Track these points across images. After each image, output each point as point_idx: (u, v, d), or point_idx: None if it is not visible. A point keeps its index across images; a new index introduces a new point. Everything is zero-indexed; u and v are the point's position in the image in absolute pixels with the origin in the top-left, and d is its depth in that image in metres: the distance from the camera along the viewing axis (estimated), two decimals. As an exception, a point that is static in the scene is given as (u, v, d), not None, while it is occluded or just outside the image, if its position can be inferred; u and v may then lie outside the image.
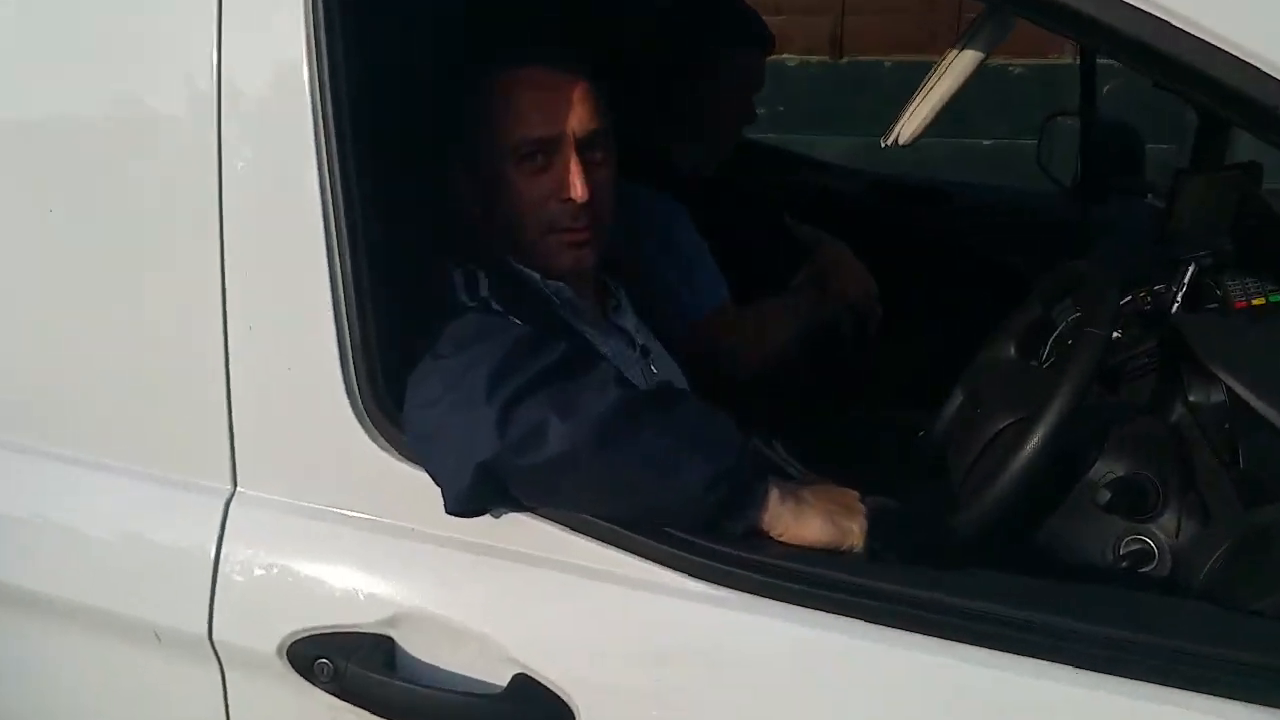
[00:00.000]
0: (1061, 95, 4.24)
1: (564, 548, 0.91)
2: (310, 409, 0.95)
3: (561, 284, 1.20)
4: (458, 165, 1.20)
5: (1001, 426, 1.20)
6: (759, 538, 0.93)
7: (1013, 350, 1.40)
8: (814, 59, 4.89)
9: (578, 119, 1.15)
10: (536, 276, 1.20)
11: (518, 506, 0.92)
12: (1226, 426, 1.23)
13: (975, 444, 1.24)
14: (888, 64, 4.79)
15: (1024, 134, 4.33)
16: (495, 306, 1.06)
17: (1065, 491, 1.18)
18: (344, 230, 0.90)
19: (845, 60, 4.91)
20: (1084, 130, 2.31)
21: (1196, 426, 1.27)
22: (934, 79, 1.10)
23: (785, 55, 4.65)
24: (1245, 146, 2.23)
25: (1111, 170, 2.36)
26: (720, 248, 1.75)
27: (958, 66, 1.05)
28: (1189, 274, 1.45)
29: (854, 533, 0.95)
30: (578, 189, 1.14)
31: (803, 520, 0.93)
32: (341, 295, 0.91)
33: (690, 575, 0.89)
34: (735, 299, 1.73)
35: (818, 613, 0.87)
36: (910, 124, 1.06)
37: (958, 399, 1.45)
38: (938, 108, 1.05)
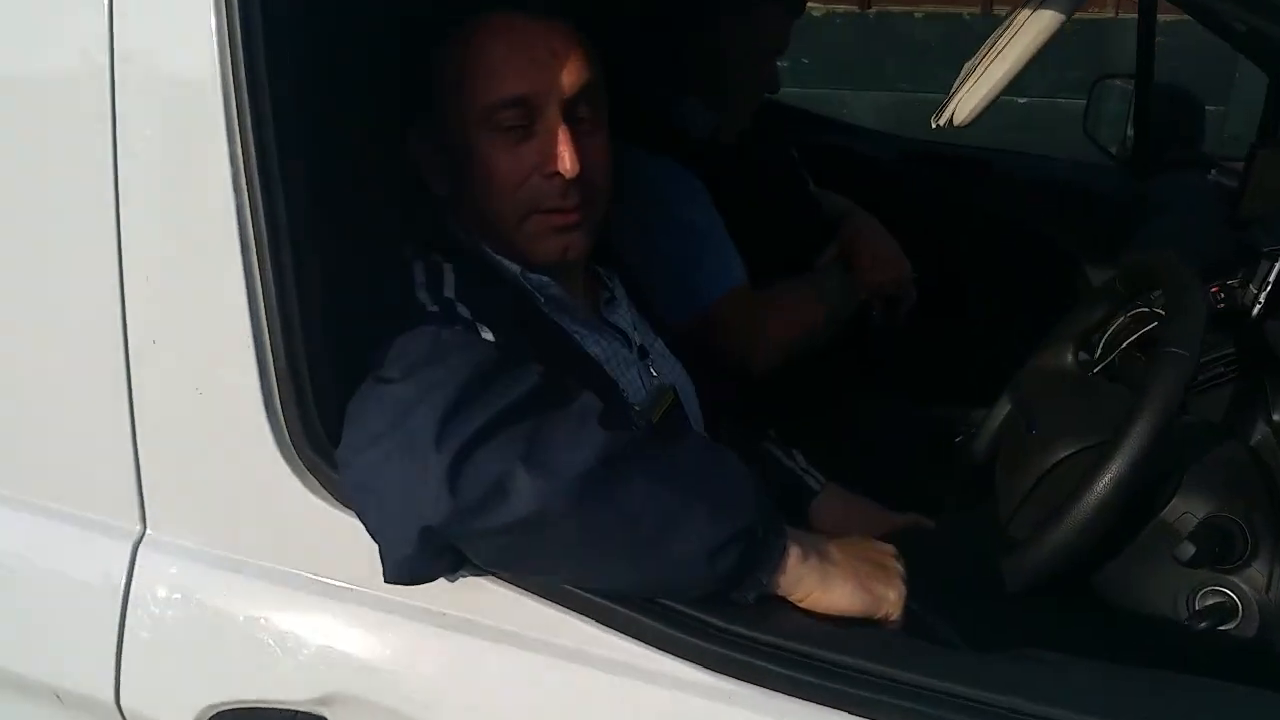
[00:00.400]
0: (1104, 51, 4.01)
1: (535, 621, 0.75)
2: (226, 440, 0.78)
3: (546, 278, 1.02)
4: (420, 136, 1.01)
5: (1063, 455, 1.03)
6: (775, 605, 0.76)
7: (1070, 358, 1.22)
8: (840, 8, 4.63)
9: (564, 76, 0.96)
10: (516, 270, 1.01)
11: (479, 569, 0.75)
12: (1320, 453, 1.06)
13: (1030, 470, 1.07)
14: (919, 15, 4.53)
15: (1061, 92, 4.11)
16: (461, 310, 0.88)
17: (1134, 533, 1.01)
18: (263, 219, 0.72)
19: (873, 11, 4.65)
20: (1139, 95, 2.09)
21: (1282, 453, 1.10)
22: (996, 47, 0.90)
23: (811, 4, 4.40)
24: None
25: (1168, 140, 2.15)
26: (736, 222, 1.55)
27: (1028, 33, 0.86)
28: (1275, 271, 1.25)
29: (889, 600, 0.79)
30: (566, 161, 0.95)
31: (829, 585, 0.77)
32: (262, 300, 0.74)
33: (688, 660, 0.72)
34: (753, 281, 1.54)
35: (844, 715, 0.70)
36: (967, 102, 0.87)
37: (1004, 409, 1.28)
38: (1003, 83, 0.85)
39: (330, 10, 0.78)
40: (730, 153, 1.68)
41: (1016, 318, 1.96)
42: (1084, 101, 2.34)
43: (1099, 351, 1.26)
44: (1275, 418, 1.11)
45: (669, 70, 1.57)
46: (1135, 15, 2.07)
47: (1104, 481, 0.89)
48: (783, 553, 0.76)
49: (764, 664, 0.71)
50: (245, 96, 0.71)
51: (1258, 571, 0.95)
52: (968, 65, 0.98)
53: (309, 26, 0.75)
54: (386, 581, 0.72)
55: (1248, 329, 1.22)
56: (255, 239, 0.73)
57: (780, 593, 0.76)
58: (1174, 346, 0.94)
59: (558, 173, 0.96)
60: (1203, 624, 0.94)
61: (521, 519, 0.68)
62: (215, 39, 0.71)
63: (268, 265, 0.73)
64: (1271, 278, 1.25)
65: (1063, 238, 2.01)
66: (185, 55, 0.73)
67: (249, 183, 0.72)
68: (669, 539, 0.71)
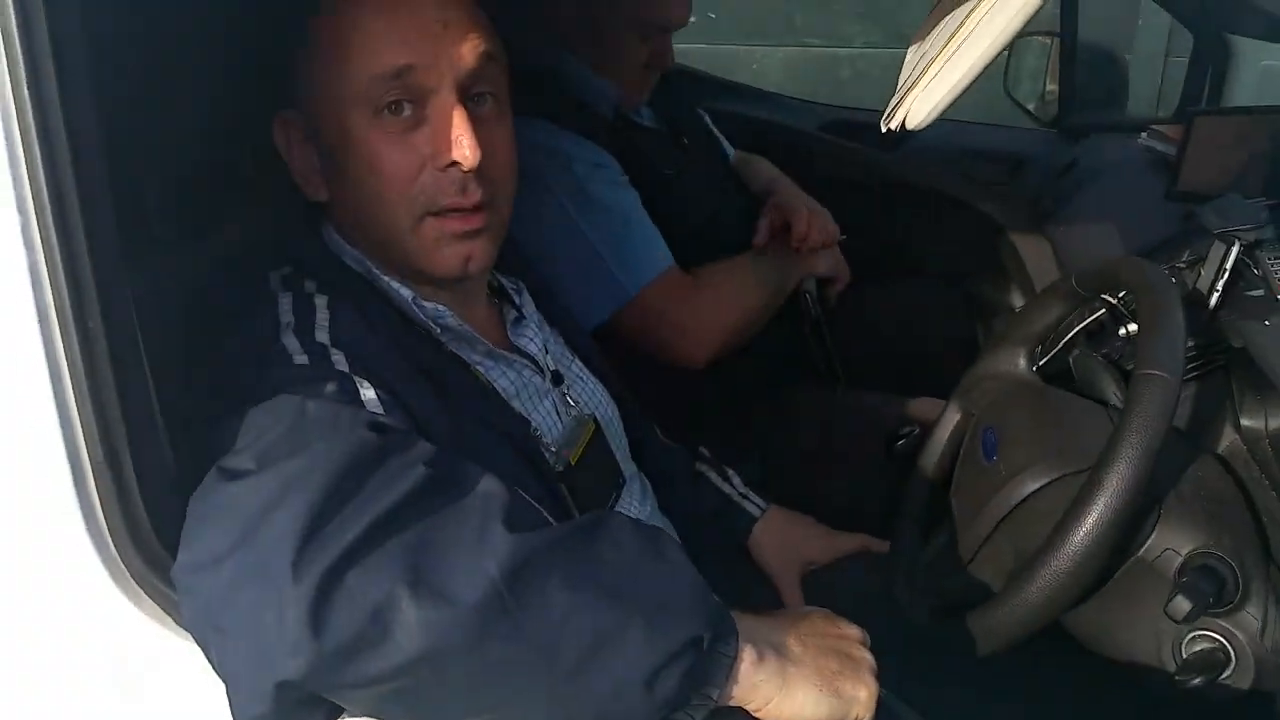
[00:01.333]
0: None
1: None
2: (36, 547, 0.61)
3: (442, 307, 0.86)
4: (289, 130, 0.84)
5: (1031, 490, 0.91)
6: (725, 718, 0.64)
7: (1022, 363, 1.11)
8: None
9: (459, 49, 0.80)
10: (408, 297, 0.85)
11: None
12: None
13: (993, 505, 0.95)
14: (825, -36, 4.38)
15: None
16: (337, 359, 0.72)
17: (1109, 572, 0.91)
18: (57, 253, 0.55)
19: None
20: (1065, 53, 2.00)
21: (1254, 463, 1.00)
22: (956, 31, 0.76)
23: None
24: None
25: (1090, 99, 2.07)
26: (654, 200, 1.39)
27: (1002, 12, 0.72)
28: (1233, 256, 1.15)
29: (860, 700, 0.67)
30: (465, 147, 0.79)
31: (790, 691, 0.65)
32: (64, 359, 0.56)
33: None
34: (679, 265, 1.38)
35: None
36: (925, 101, 0.73)
37: (953, 417, 1.16)
38: (971, 77, 0.72)
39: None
40: (638, 125, 1.52)
41: (953, 295, 1.87)
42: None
43: (1052, 351, 1.15)
44: (1244, 423, 1.01)
45: (552, 38, 1.40)
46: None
47: (1088, 526, 0.79)
48: (735, 659, 0.63)
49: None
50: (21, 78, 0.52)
51: (1250, 615, 0.84)
52: (915, 51, 0.84)
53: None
54: (239, 746, 0.57)
55: (1205, 322, 1.13)
56: (50, 279, 0.55)
57: (733, 704, 0.64)
58: (1153, 369, 0.83)
59: (455, 163, 0.80)
60: (1196, 679, 0.83)
61: (409, 660, 0.54)
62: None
63: (68, 314, 0.56)
64: (1229, 265, 1.17)
65: (991, 207, 1.91)
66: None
67: (36, 199, 0.54)
68: (597, 666, 0.58)
